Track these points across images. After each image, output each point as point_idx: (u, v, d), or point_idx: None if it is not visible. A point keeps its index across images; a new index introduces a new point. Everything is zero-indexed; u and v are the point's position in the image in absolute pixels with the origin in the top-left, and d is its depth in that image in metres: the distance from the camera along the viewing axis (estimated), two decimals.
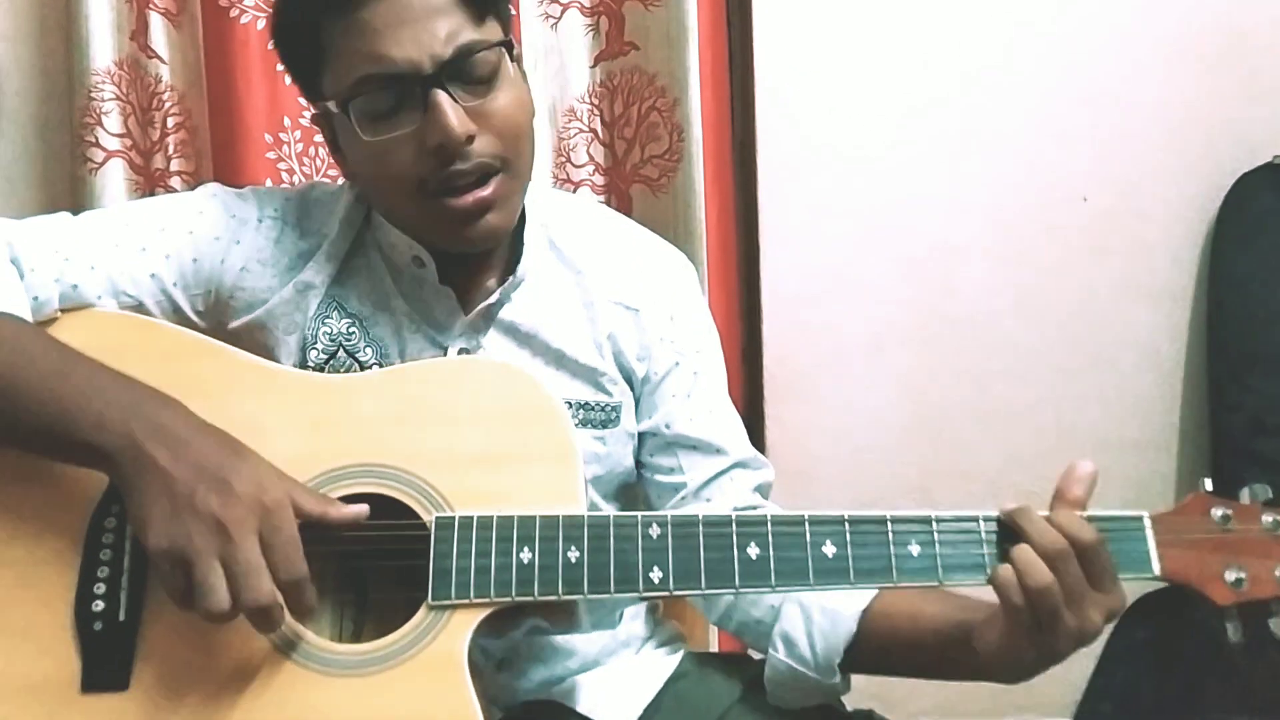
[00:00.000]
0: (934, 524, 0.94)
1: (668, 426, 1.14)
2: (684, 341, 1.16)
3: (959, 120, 1.84)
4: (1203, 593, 0.92)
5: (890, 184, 1.84)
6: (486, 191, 1.02)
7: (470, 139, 1.00)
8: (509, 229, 1.08)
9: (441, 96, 0.99)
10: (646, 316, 1.15)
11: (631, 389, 1.15)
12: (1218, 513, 0.93)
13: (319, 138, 1.67)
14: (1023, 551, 0.89)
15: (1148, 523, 0.93)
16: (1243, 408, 1.79)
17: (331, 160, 1.65)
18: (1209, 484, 0.96)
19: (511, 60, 1.05)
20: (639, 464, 1.17)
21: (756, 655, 1.15)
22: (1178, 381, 1.90)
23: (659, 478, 1.15)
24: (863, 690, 1.09)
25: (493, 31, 1.04)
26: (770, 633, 1.08)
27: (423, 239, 1.08)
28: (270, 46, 1.18)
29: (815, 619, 1.06)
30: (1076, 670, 1.88)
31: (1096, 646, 1.87)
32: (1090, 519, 0.92)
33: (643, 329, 1.15)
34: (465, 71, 1.01)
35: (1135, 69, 1.85)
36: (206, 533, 0.87)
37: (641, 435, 1.16)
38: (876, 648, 1.04)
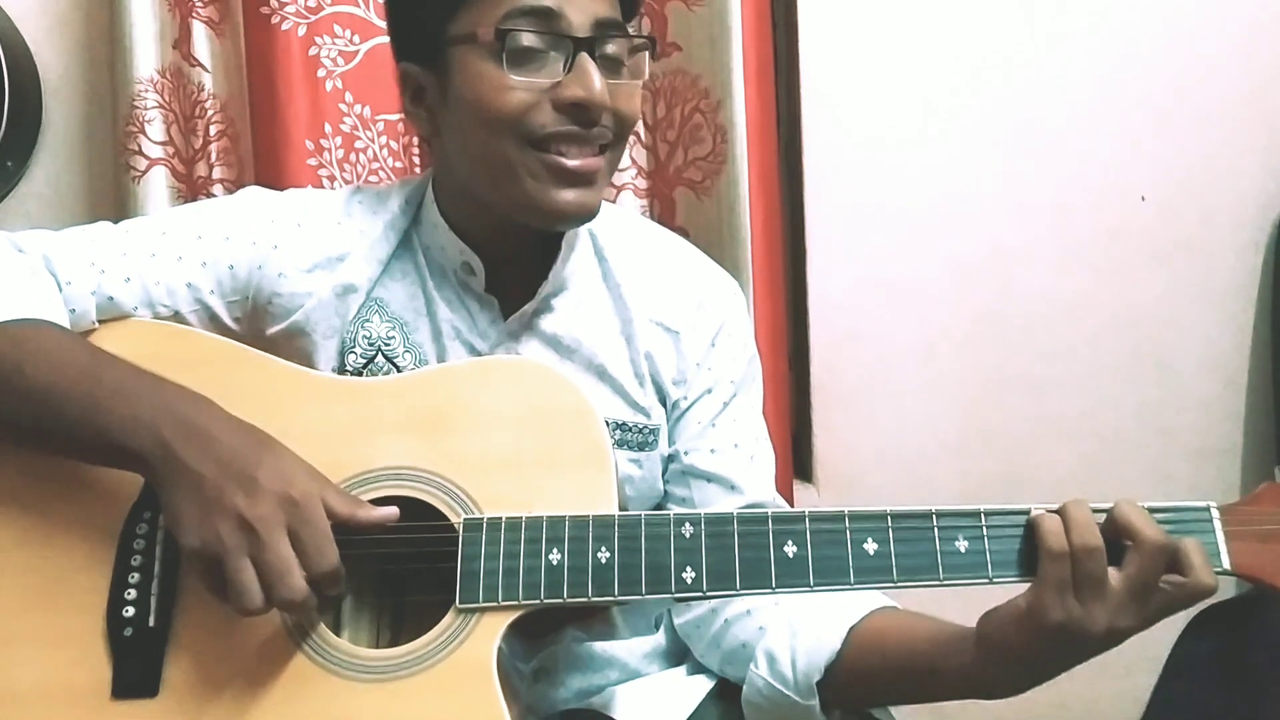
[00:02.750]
0: (983, 518, 0.91)
1: (686, 454, 1.13)
2: (720, 370, 1.15)
3: (1012, 119, 1.82)
4: (1278, 588, 0.87)
5: (941, 185, 1.82)
6: (599, 159, 1.04)
7: (605, 108, 1.03)
8: (595, 212, 1.07)
9: (589, 60, 1.01)
10: (687, 341, 1.14)
11: (665, 411, 1.14)
12: None
13: (359, 143, 1.69)
14: (1078, 506, 0.87)
15: (1215, 513, 0.90)
16: None
17: (372, 166, 1.69)
18: None
19: (653, 60, 1.10)
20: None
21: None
22: (1241, 386, 1.87)
23: (672, 507, 1.14)
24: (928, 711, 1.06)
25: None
26: (754, 652, 1.06)
27: (503, 205, 1.07)
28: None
29: (800, 634, 1.03)
30: (1140, 685, 1.84)
31: (1160, 662, 1.84)
32: (1154, 510, 0.88)
33: (682, 354, 1.14)
34: (610, 50, 1.04)
35: (1195, 65, 1.83)
36: (235, 532, 0.88)
37: (665, 459, 1.15)
38: (860, 664, 1.00)
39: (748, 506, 1.11)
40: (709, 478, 1.13)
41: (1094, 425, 1.85)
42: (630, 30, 1.07)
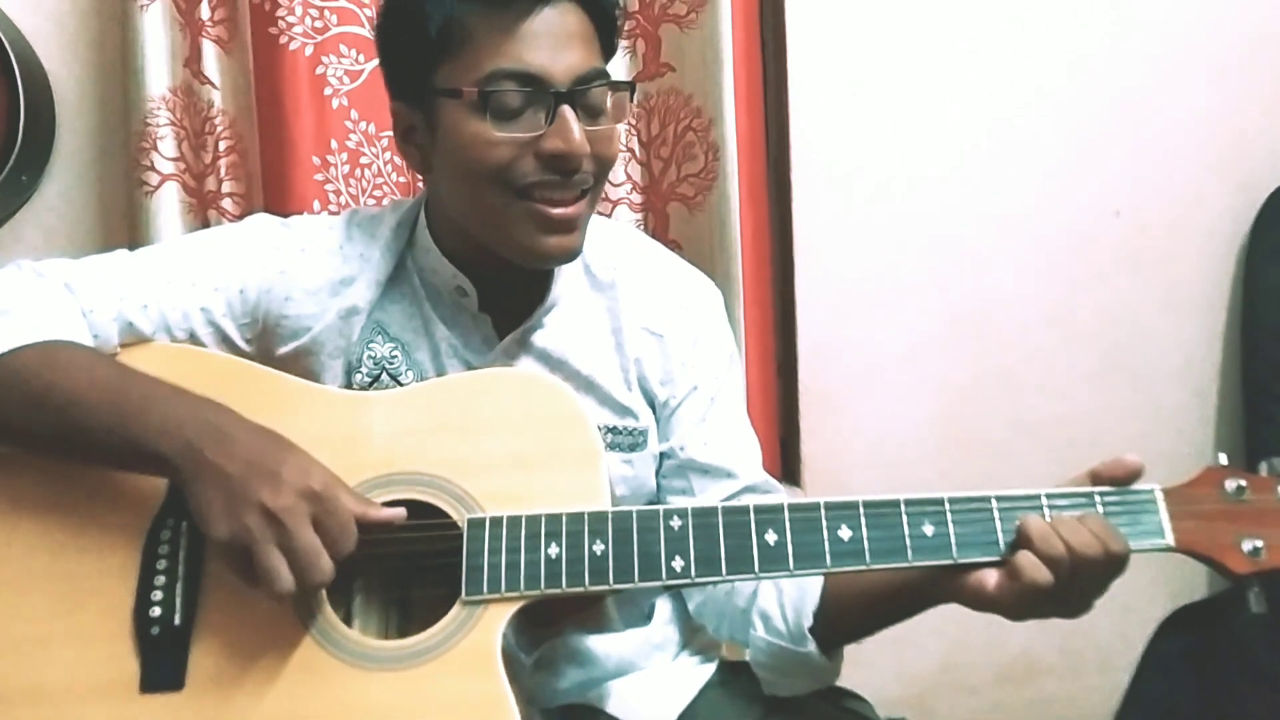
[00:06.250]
0: (947, 504, 0.96)
1: (682, 450, 1.17)
2: (704, 367, 1.18)
3: (992, 136, 1.85)
4: (1220, 562, 0.93)
5: (923, 199, 1.85)
6: (580, 206, 1.07)
7: (585, 157, 1.05)
8: (574, 256, 1.10)
9: (570, 112, 1.03)
10: (671, 343, 1.17)
11: (654, 412, 1.18)
12: (1231, 485, 0.94)
13: (364, 159, 1.72)
14: (1024, 557, 0.92)
15: (1159, 495, 0.95)
16: (1276, 420, 1.78)
17: (376, 181, 1.71)
18: (1224, 458, 0.98)
19: (632, 103, 1.10)
20: (657, 484, 1.19)
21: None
22: (1212, 394, 1.90)
23: (671, 499, 1.17)
24: (897, 700, 1.10)
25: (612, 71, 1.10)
26: (751, 615, 1.11)
27: (494, 245, 1.09)
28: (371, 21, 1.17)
29: (786, 590, 1.09)
30: (1115, 682, 1.89)
31: (1135, 658, 1.88)
32: (1104, 494, 0.95)
33: (667, 355, 1.17)
34: (590, 99, 1.06)
35: (1168, 83, 1.85)
36: (262, 522, 0.92)
37: (659, 456, 1.18)
38: (846, 602, 1.06)
39: (745, 489, 1.17)
40: (706, 469, 1.17)
41: (1068, 430, 1.87)
42: (609, 72, 1.08)
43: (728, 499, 1.15)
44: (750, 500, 1.13)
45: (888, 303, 1.86)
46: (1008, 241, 1.86)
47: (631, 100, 1.11)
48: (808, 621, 1.06)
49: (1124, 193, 1.86)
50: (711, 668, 1.22)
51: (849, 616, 1.06)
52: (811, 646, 1.07)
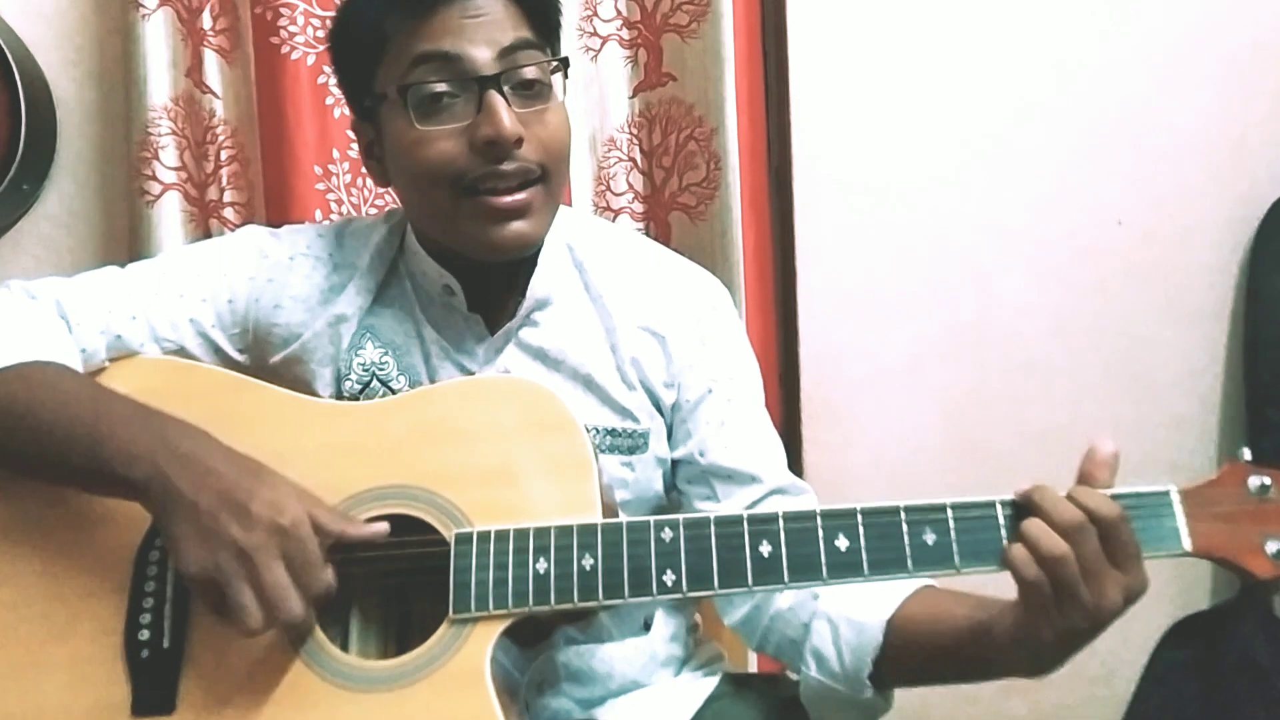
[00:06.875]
0: (949, 511, 0.91)
1: (702, 455, 1.14)
2: (717, 367, 1.16)
3: (994, 145, 1.84)
4: (1242, 566, 0.87)
5: (925, 208, 1.84)
6: (523, 195, 1.04)
7: (519, 142, 1.02)
8: (537, 241, 1.09)
9: (497, 97, 1.01)
10: (674, 343, 1.15)
11: (661, 415, 1.16)
12: (1255, 482, 0.88)
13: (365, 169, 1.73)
14: (1033, 524, 0.87)
15: (1176, 496, 0.89)
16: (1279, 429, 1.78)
17: (379, 190, 1.71)
18: (1247, 453, 0.90)
19: (565, 79, 1.08)
20: (675, 491, 1.18)
21: (794, 676, 1.14)
22: (1215, 404, 1.88)
23: (697, 504, 1.15)
24: (898, 709, 1.09)
25: (552, 52, 1.08)
26: (803, 651, 1.09)
27: (452, 245, 1.09)
28: (324, 51, 1.22)
29: (842, 631, 1.05)
30: (1119, 691, 1.88)
31: (1138, 668, 1.88)
32: (1115, 496, 0.88)
33: (670, 356, 1.15)
34: (522, 80, 1.04)
35: (1170, 92, 1.85)
36: (232, 559, 0.91)
37: (675, 462, 1.17)
38: (904, 655, 1.03)
39: (772, 491, 1.14)
40: (730, 474, 1.14)
41: (1071, 439, 1.77)
42: (539, 51, 1.05)
43: (754, 503, 1.14)
44: (779, 502, 1.14)
45: (890, 312, 1.85)
46: (1010, 250, 1.86)
47: (565, 78, 1.08)
48: (867, 669, 1.03)
49: (1127, 202, 1.85)
50: (715, 680, 1.21)
51: (912, 667, 1.04)
52: (869, 693, 1.04)
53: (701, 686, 1.19)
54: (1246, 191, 1.85)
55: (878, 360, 1.86)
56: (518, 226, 1.05)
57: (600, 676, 1.16)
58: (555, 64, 1.07)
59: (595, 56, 1.77)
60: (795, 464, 1.88)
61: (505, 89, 1.02)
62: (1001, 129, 1.84)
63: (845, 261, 1.84)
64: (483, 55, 1.02)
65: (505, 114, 1.01)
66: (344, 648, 1.00)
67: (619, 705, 1.16)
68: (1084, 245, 1.86)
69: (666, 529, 0.95)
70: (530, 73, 1.04)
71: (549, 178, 1.06)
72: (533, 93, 1.05)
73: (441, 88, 1.02)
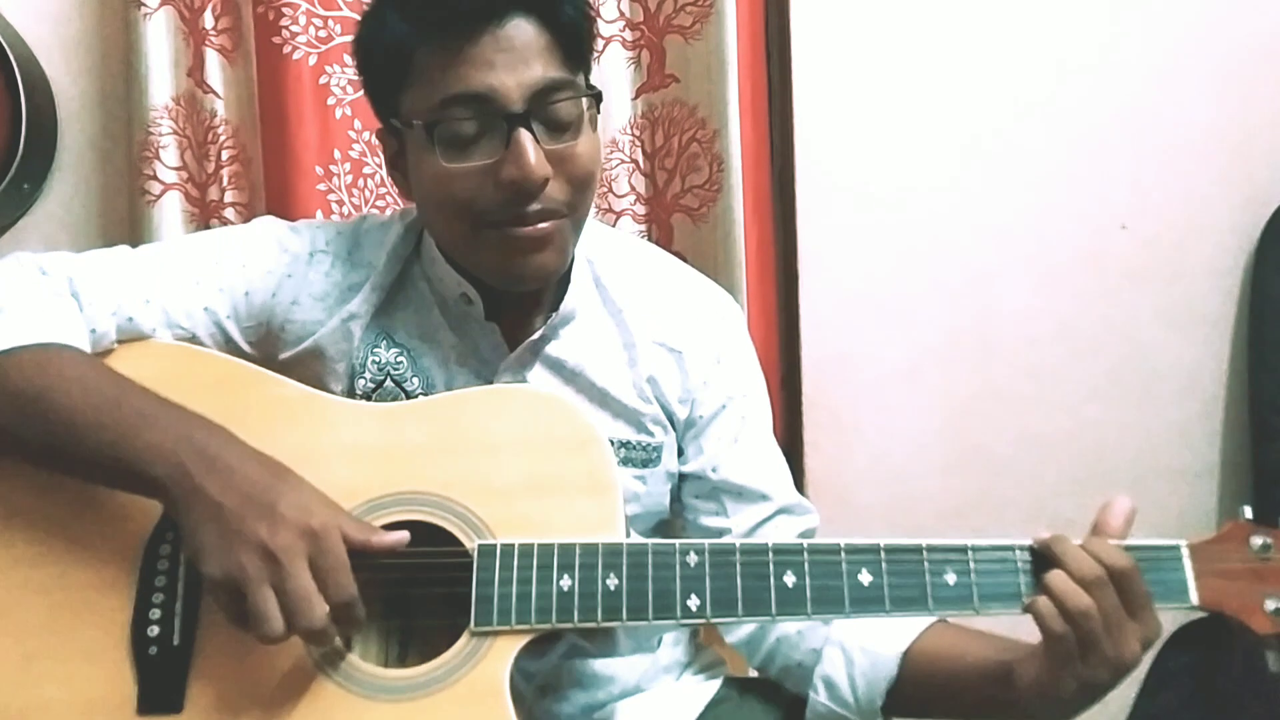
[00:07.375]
0: (970, 553, 0.94)
1: (714, 471, 1.14)
2: (731, 385, 1.16)
3: (998, 149, 1.84)
4: (1243, 622, 0.91)
5: (929, 212, 1.84)
6: (546, 226, 1.02)
7: (545, 182, 1.00)
8: (558, 272, 1.08)
9: (525, 136, 0.98)
10: (690, 359, 1.15)
11: (674, 430, 1.15)
12: (1258, 541, 0.92)
13: (367, 169, 1.72)
14: (1058, 578, 0.90)
15: (1185, 552, 0.93)
16: None
17: (379, 191, 1.70)
18: (1249, 512, 0.94)
19: (597, 112, 1.05)
20: (680, 504, 1.18)
21: None
22: (1219, 410, 1.88)
23: (704, 520, 1.15)
24: None
25: (581, 82, 1.04)
26: (811, 676, 1.08)
27: (471, 270, 1.08)
28: (348, 59, 1.18)
29: (856, 661, 1.06)
30: (1120, 696, 1.87)
31: (1138, 675, 1.87)
32: (1127, 549, 0.91)
33: (686, 372, 1.14)
34: (552, 115, 1.00)
35: (1174, 96, 1.85)
36: (257, 561, 0.89)
37: (683, 476, 1.16)
38: (918, 689, 1.04)
39: (780, 510, 1.15)
40: (740, 491, 1.14)
41: (1074, 445, 1.86)
42: (578, 82, 1.02)
43: (761, 521, 1.14)
44: (785, 522, 1.15)
45: (893, 316, 1.85)
46: (1013, 255, 1.85)
47: (597, 111, 1.05)
48: (880, 700, 1.04)
49: (1130, 207, 1.85)
50: (716, 684, 1.21)
51: (924, 700, 1.04)
52: None
53: (704, 690, 1.19)
54: (1250, 196, 1.85)
55: (880, 364, 1.86)
56: (539, 259, 1.03)
57: (603, 682, 1.16)
58: (587, 96, 1.04)
59: (598, 58, 1.76)
60: (797, 468, 1.88)
61: (534, 124, 0.99)
62: (1005, 133, 1.84)
63: (848, 265, 1.84)
64: (514, 92, 0.98)
65: (532, 153, 0.98)
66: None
67: (622, 710, 1.16)
68: (1087, 250, 1.86)
69: (692, 553, 0.95)
70: (565, 106, 1.01)
71: (574, 212, 1.05)
72: (563, 125, 1.02)
73: (471, 128, 0.99)
